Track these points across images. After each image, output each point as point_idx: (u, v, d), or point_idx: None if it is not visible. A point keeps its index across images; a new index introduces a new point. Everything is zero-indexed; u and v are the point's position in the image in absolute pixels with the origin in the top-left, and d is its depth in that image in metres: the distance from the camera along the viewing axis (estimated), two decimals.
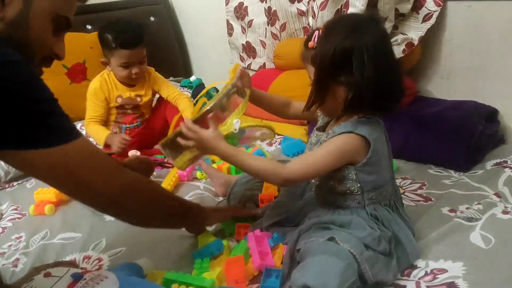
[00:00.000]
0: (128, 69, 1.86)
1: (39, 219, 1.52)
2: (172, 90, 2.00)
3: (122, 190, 0.96)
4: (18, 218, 1.55)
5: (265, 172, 1.07)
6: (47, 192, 1.59)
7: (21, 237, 1.42)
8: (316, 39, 1.04)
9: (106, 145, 1.86)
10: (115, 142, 1.79)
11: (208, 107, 1.19)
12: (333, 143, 1.04)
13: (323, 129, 1.19)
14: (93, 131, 1.90)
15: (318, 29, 1.06)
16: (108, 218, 1.49)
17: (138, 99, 1.95)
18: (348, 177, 1.07)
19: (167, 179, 1.65)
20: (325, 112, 1.15)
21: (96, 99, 1.90)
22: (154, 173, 1.73)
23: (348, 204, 1.11)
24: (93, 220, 1.48)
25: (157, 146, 1.24)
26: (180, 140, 1.13)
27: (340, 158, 1.04)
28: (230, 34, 2.64)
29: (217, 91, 2.31)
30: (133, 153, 1.80)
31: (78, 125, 2.21)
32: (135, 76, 1.87)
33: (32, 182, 1.79)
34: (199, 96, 1.36)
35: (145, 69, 1.93)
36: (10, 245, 1.38)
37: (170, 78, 2.77)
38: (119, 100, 1.92)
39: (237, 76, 1.21)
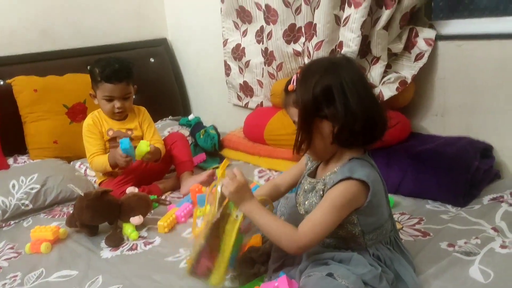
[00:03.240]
0: (111, 103, 1.92)
1: (35, 258, 1.50)
2: (154, 137, 2.03)
3: None
4: (14, 257, 1.53)
5: (280, 237, 1.06)
6: (44, 230, 1.57)
7: (16, 276, 1.40)
8: (295, 82, 1.08)
9: (114, 167, 1.88)
10: (118, 159, 1.82)
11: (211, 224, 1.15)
12: (334, 196, 1.04)
13: (313, 174, 1.20)
14: (97, 163, 1.92)
15: (296, 74, 1.10)
16: (105, 255, 1.47)
17: (129, 132, 1.99)
18: (349, 222, 1.08)
19: (165, 218, 1.64)
20: (315, 154, 1.15)
21: (91, 134, 1.94)
22: (152, 210, 1.73)
23: (349, 246, 1.11)
24: (89, 257, 1.46)
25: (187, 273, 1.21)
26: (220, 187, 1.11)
27: (346, 209, 1.04)
28: (227, 74, 2.69)
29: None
30: (131, 189, 1.80)
31: (77, 164, 2.23)
32: (118, 110, 1.93)
33: (29, 221, 1.78)
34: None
35: (130, 105, 1.98)
36: (4, 284, 1.36)
37: (169, 117, 2.81)
38: (110, 132, 1.96)
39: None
